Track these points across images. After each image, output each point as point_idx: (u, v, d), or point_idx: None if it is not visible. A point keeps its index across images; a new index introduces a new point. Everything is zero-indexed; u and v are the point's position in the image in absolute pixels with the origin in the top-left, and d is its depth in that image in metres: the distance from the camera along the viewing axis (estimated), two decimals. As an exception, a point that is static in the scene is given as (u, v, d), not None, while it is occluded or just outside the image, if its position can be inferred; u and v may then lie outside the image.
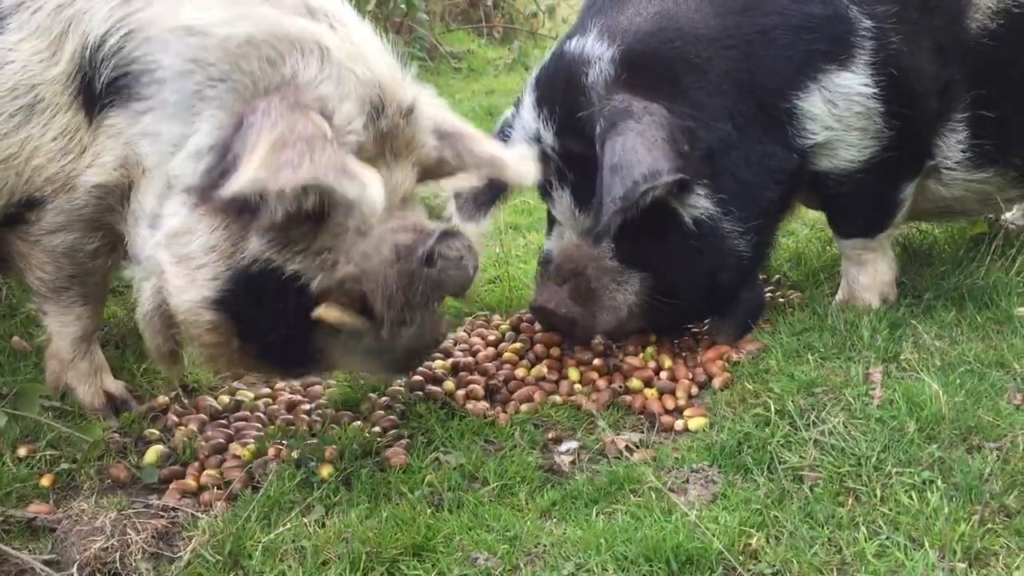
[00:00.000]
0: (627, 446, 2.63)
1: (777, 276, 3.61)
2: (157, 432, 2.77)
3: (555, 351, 3.09)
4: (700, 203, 2.87)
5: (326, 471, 2.52)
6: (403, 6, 7.02)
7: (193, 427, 2.78)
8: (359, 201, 2.20)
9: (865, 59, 2.88)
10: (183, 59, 2.37)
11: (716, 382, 2.88)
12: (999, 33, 2.99)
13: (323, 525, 2.34)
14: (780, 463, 2.42)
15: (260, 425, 2.81)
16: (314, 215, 2.29)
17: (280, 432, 2.74)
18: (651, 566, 2.13)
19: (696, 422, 2.71)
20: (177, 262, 2.37)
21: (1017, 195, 3.31)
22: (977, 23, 2.99)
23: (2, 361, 3.08)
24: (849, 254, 3.21)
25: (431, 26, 7.95)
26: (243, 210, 2.27)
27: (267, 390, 3.05)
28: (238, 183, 2.18)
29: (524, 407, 2.84)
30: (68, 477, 2.58)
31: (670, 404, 2.82)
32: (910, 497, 2.25)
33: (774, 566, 2.12)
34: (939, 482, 2.28)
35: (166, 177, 2.40)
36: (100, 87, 2.45)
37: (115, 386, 2.89)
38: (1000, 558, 2.10)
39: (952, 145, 3.08)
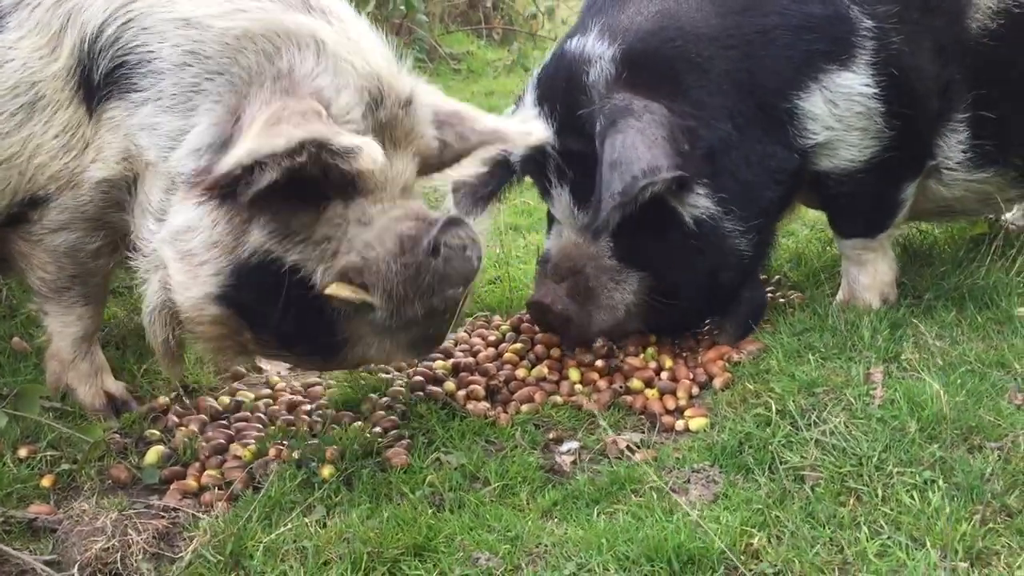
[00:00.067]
0: (628, 446, 2.62)
1: (777, 276, 3.61)
2: (158, 433, 2.77)
3: (556, 352, 3.09)
4: (700, 202, 2.87)
5: (327, 471, 2.52)
6: (402, 7, 7.02)
7: (194, 428, 2.78)
8: (357, 152, 2.19)
9: (866, 59, 2.88)
10: (180, 51, 2.38)
11: (717, 382, 2.88)
12: (1000, 33, 2.99)
13: (324, 525, 2.34)
14: (781, 463, 2.42)
15: (261, 425, 2.81)
16: (312, 193, 2.27)
17: (281, 432, 2.74)
18: (652, 566, 2.13)
19: (697, 422, 2.71)
20: (180, 258, 2.37)
21: (1017, 195, 3.32)
22: (978, 23, 2.99)
23: (2, 362, 3.08)
24: (849, 254, 3.21)
25: (430, 27, 7.95)
26: (240, 190, 2.26)
27: (267, 391, 3.05)
28: (235, 156, 2.19)
29: (525, 407, 2.84)
30: (69, 478, 2.58)
31: (671, 404, 2.82)
32: (911, 497, 2.25)
33: (776, 566, 2.11)
34: (940, 482, 2.28)
35: (169, 173, 2.41)
36: (98, 78, 2.45)
37: (116, 387, 2.89)
38: (1002, 557, 2.09)
39: (953, 145, 3.08)
